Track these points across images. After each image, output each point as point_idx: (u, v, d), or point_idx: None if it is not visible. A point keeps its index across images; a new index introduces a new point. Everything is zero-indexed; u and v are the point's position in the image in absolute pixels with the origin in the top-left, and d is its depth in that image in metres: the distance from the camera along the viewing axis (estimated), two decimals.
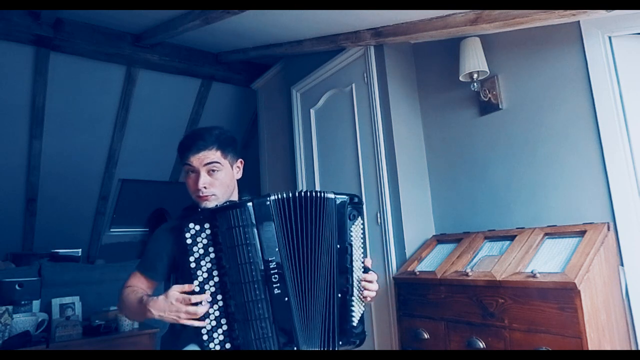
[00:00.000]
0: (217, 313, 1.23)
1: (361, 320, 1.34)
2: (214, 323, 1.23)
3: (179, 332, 1.36)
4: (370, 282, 1.35)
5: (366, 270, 1.37)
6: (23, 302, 2.45)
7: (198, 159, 1.36)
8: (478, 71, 2.27)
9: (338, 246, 1.29)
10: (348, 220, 1.31)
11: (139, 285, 1.42)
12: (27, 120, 3.83)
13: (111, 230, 5.27)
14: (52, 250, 4.32)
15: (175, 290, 1.21)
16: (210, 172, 1.37)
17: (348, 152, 2.80)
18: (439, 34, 2.37)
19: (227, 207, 1.26)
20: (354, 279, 1.31)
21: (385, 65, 2.60)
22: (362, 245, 1.36)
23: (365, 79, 2.69)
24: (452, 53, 2.42)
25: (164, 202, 5.33)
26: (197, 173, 1.36)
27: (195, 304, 1.21)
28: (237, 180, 1.49)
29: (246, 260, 1.22)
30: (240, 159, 1.49)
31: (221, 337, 1.22)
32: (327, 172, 3.01)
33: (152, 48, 3.50)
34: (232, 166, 1.44)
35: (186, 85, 4.14)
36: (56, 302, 2.55)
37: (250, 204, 1.24)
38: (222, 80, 4.13)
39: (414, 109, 2.68)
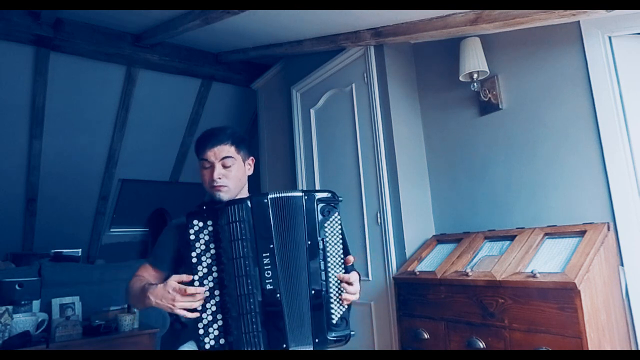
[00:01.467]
0: (213, 308, 1.25)
1: (343, 317, 1.33)
2: (210, 318, 1.25)
3: (178, 332, 1.37)
4: (350, 284, 1.33)
5: (348, 269, 1.36)
6: (23, 302, 2.45)
7: (214, 153, 1.45)
8: (478, 71, 2.27)
9: (309, 242, 1.31)
10: (320, 217, 1.33)
11: (146, 275, 1.46)
12: (27, 120, 3.83)
13: (111, 230, 5.28)
14: (53, 250, 4.32)
15: (174, 279, 1.25)
16: (225, 166, 1.46)
17: (348, 152, 2.80)
18: (439, 34, 2.37)
19: (227, 203, 1.30)
20: (329, 275, 1.32)
21: (385, 65, 2.60)
22: (340, 242, 1.36)
23: (365, 79, 2.69)
24: (452, 53, 2.42)
25: (164, 202, 5.33)
26: (213, 166, 1.45)
27: (192, 296, 1.23)
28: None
29: (241, 255, 1.25)
30: (251, 157, 1.58)
31: (216, 332, 1.24)
32: (327, 172, 3.01)
33: (152, 48, 3.50)
34: (244, 162, 1.53)
35: (186, 85, 4.14)
36: (56, 302, 2.55)
37: (248, 201, 1.29)
38: (222, 80, 4.13)
39: (414, 109, 2.68)
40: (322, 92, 3.05)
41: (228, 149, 1.46)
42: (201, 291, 1.24)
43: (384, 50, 2.62)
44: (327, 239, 1.33)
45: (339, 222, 1.36)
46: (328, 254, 1.32)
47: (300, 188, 3.18)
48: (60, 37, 3.17)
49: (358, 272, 1.43)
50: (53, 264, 2.90)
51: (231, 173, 1.46)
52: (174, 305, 1.23)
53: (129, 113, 4.12)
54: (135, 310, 2.56)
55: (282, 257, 1.28)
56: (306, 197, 1.33)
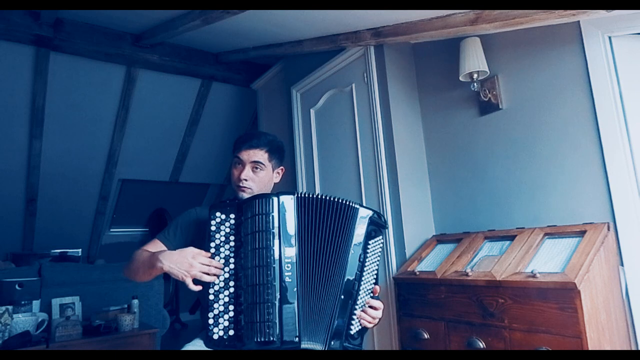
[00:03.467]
0: (226, 299, 1.28)
1: (361, 332, 1.35)
2: (222, 308, 1.27)
3: (178, 332, 1.38)
4: (375, 308, 1.38)
5: (374, 298, 1.40)
6: (23, 302, 2.46)
7: (247, 154, 1.54)
8: (478, 71, 2.27)
9: (352, 252, 1.34)
10: (368, 234, 1.37)
11: (154, 249, 1.47)
12: (27, 120, 3.83)
13: (111, 230, 5.28)
14: (53, 251, 4.32)
15: (192, 249, 1.30)
16: (254, 169, 1.54)
17: (348, 152, 2.80)
18: (439, 34, 2.37)
19: (254, 197, 1.35)
20: (361, 288, 1.35)
21: (385, 65, 2.60)
22: (376, 262, 1.40)
23: (365, 79, 2.69)
24: (452, 53, 2.42)
25: (164, 202, 5.33)
26: (243, 165, 1.54)
27: (208, 267, 1.27)
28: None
29: (263, 246, 1.27)
30: (282, 167, 1.65)
31: (226, 323, 1.26)
32: (327, 172, 3.01)
33: (152, 48, 3.50)
34: (273, 170, 1.60)
35: (186, 85, 4.14)
36: (56, 302, 2.55)
37: (275, 197, 1.32)
38: (222, 80, 4.13)
39: (414, 109, 2.68)
40: (322, 92, 3.05)
41: (261, 155, 1.54)
42: (219, 265, 1.29)
43: (384, 50, 2.62)
44: (368, 256, 1.37)
45: (381, 247, 1.42)
46: (365, 269, 1.36)
47: (300, 188, 3.19)
48: (60, 37, 3.17)
49: (382, 302, 1.45)
50: (53, 264, 2.91)
51: (257, 177, 1.54)
52: (188, 272, 1.26)
53: (129, 113, 4.12)
54: (135, 310, 2.56)
55: (309, 255, 1.31)
56: (363, 212, 1.38)
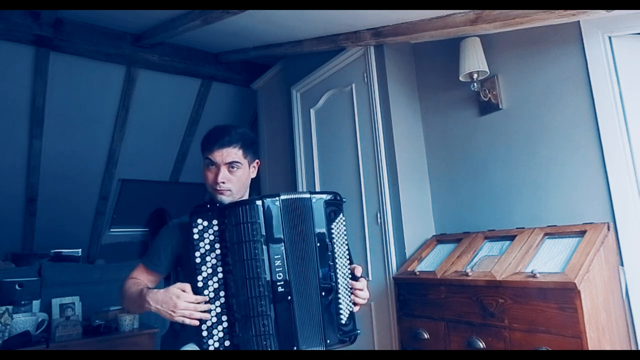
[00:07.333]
0: (218, 310, 1.23)
1: (351, 317, 1.33)
2: (214, 320, 1.23)
3: (178, 332, 1.37)
4: (360, 289, 1.37)
5: (355, 278, 1.38)
6: (23, 302, 2.46)
7: (221, 155, 1.41)
8: (478, 71, 2.27)
9: (318, 244, 1.30)
10: (328, 218, 1.32)
11: (142, 277, 1.45)
12: (27, 120, 3.83)
13: (111, 230, 5.28)
14: (53, 250, 4.32)
15: (177, 287, 1.23)
16: (230, 169, 1.43)
17: (348, 152, 2.80)
18: (439, 34, 2.37)
19: (237, 204, 1.28)
20: (338, 275, 1.32)
21: (385, 65, 2.60)
22: (345, 243, 1.37)
23: (365, 79, 2.69)
24: (452, 53, 2.42)
25: (163, 202, 5.33)
26: (218, 167, 1.42)
27: (194, 304, 1.22)
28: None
29: (252, 257, 1.22)
30: (257, 160, 1.55)
31: (220, 335, 1.22)
32: (327, 172, 3.01)
33: (152, 48, 3.50)
34: (249, 165, 1.50)
35: (186, 85, 4.14)
36: (56, 302, 2.55)
37: (259, 202, 1.26)
38: (222, 80, 4.13)
39: (414, 109, 2.68)
40: (322, 92, 3.05)
41: (235, 153, 1.42)
42: (204, 300, 1.22)
43: (384, 50, 2.62)
44: (335, 240, 1.33)
45: (344, 223, 1.36)
46: (336, 255, 1.32)
47: (300, 188, 3.19)
48: (60, 37, 3.17)
49: (365, 278, 1.44)
50: (53, 264, 2.91)
51: (235, 177, 1.43)
52: (174, 313, 1.21)
53: (129, 113, 4.12)
54: None
55: (293, 259, 1.26)
56: (314, 199, 1.31)
